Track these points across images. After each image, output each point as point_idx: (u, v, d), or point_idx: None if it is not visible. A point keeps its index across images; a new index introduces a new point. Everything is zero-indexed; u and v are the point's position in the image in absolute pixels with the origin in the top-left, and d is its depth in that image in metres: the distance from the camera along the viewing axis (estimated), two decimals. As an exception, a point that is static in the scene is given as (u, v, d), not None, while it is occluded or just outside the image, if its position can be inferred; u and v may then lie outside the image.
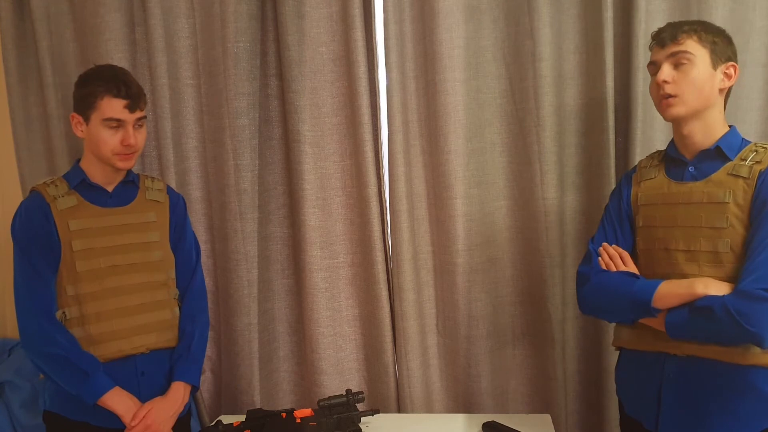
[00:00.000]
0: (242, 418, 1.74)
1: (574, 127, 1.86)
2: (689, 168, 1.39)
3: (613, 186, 1.70)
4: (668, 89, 1.35)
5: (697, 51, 1.34)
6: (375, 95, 1.93)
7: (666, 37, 1.37)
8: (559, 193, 1.86)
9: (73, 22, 2.07)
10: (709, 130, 1.37)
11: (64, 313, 1.50)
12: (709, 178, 1.35)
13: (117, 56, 1.99)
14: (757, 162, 1.31)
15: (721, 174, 1.34)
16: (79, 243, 1.50)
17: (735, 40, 1.73)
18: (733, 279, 1.28)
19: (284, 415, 1.71)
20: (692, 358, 1.33)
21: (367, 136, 1.91)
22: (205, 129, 2.03)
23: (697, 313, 1.26)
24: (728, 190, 1.31)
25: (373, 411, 1.69)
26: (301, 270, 2.01)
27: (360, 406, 1.73)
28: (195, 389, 1.67)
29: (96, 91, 1.49)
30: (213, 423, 1.74)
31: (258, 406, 2.00)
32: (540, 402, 1.96)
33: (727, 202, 1.31)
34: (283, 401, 2.11)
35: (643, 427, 1.43)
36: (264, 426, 1.68)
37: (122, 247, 1.56)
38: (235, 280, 1.99)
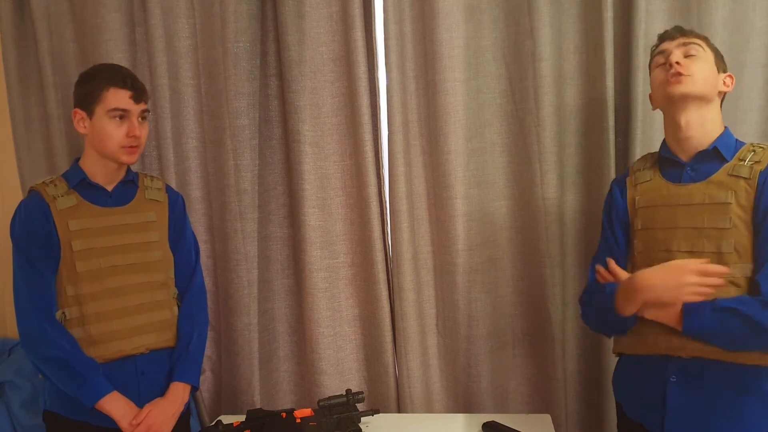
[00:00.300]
0: (242, 418, 1.74)
1: (574, 127, 1.86)
2: (687, 169, 1.39)
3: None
4: (681, 69, 1.36)
5: (705, 48, 1.39)
6: (375, 95, 1.93)
7: (676, 32, 1.42)
8: (559, 193, 1.86)
9: (73, 22, 2.07)
10: (705, 128, 1.38)
11: (63, 313, 1.49)
12: (709, 179, 1.35)
13: (117, 56, 1.99)
14: (756, 162, 1.31)
15: (721, 175, 1.34)
16: (79, 243, 1.50)
17: (735, 40, 1.75)
18: (738, 280, 1.28)
19: (284, 415, 1.71)
20: (696, 359, 1.32)
21: (367, 136, 1.91)
22: (205, 129, 2.03)
23: (719, 321, 1.26)
24: (730, 191, 1.31)
25: (373, 411, 1.69)
26: (301, 270, 2.01)
27: (360, 406, 1.73)
28: (195, 389, 1.68)
29: (101, 84, 1.50)
30: (213, 423, 1.74)
31: (258, 406, 2.00)
32: (540, 402, 1.96)
33: (730, 203, 1.31)
34: (283, 401, 2.11)
35: (645, 429, 1.42)
36: (264, 426, 1.68)
37: (122, 247, 1.56)
38: (235, 280, 1.99)
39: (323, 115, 1.96)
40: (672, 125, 1.41)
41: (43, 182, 1.54)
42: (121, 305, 1.54)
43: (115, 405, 1.49)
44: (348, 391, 1.68)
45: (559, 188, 1.86)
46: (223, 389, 2.11)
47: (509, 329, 1.97)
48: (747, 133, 1.77)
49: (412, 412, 1.96)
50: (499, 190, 1.93)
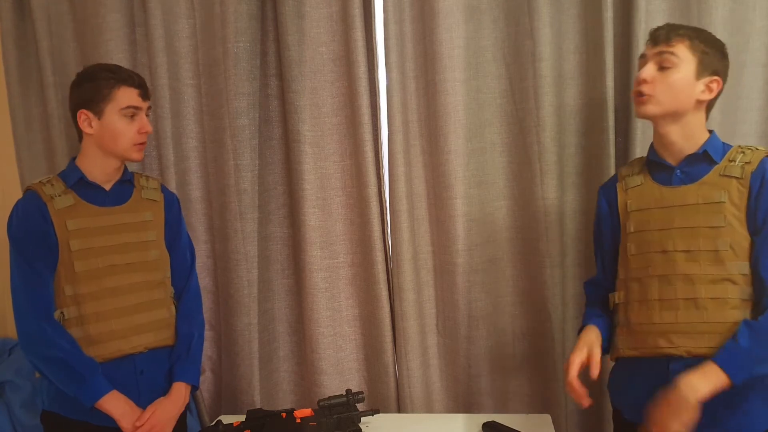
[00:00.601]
0: (242, 418, 1.74)
1: (574, 127, 1.86)
2: (676, 172, 1.41)
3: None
4: (644, 88, 1.38)
5: (684, 56, 1.36)
6: (375, 95, 1.93)
7: (660, 36, 1.39)
8: (559, 193, 1.86)
9: (73, 22, 2.07)
10: (689, 136, 1.39)
11: (62, 313, 1.49)
12: (702, 181, 1.37)
13: (117, 56, 1.99)
14: (747, 162, 1.34)
15: (713, 176, 1.36)
16: (77, 243, 1.50)
17: (735, 40, 1.74)
18: (735, 278, 1.31)
19: (284, 415, 1.71)
20: (699, 357, 1.32)
21: (367, 136, 1.91)
22: (205, 129, 2.03)
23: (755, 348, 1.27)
24: (723, 191, 1.34)
25: (373, 411, 1.69)
26: (301, 270, 2.01)
27: (360, 406, 1.73)
28: (195, 389, 1.68)
29: (109, 83, 1.51)
30: (213, 423, 1.74)
31: (258, 406, 2.00)
32: (540, 402, 1.96)
33: (723, 202, 1.33)
34: (283, 401, 2.11)
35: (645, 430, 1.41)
36: (264, 426, 1.68)
37: (120, 246, 1.56)
38: (235, 280, 1.99)
39: (323, 115, 1.96)
40: (655, 132, 1.44)
41: (40, 182, 1.53)
42: (120, 305, 1.54)
43: (114, 404, 1.49)
44: (348, 391, 1.68)
45: (559, 188, 1.86)
46: (223, 389, 2.11)
47: (509, 329, 1.97)
48: (747, 133, 1.77)
49: (412, 412, 1.96)
50: (499, 190, 1.93)
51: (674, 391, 1.26)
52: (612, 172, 1.80)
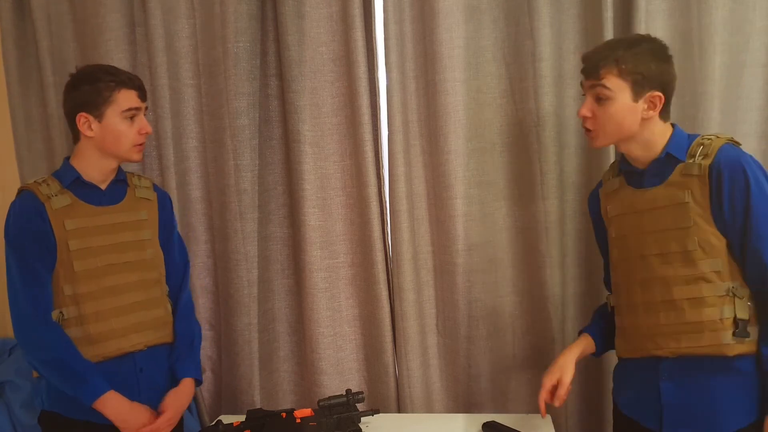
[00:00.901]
0: (242, 418, 1.74)
1: (574, 127, 1.86)
2: (646, 175, 1.41)
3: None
4: (587, 125, 1.40)
5: (616, 86, 1.34)
6: (375, 95, 1.93)
7: (588, 69, 1.38)
8: (559, 193, 1.86)
9: (73, 23, 2.07)
10: (650, 146, 1.39)
11: (61, 312, 1.49)
12: (667, 182, 1.37)
13: (117, 56, 1.99)
14: (704, 156, 1.32)
15: (676, 175, 1.36)
16: (75, 242, 1.50)
17: (735, 40, 1.73)
18: (708, 275, 1.31)
19: (284, 415, 1.71)
20: (684, 357, 1.36)
21: (367, 136, 1.91)
22: (205, 129, 2.03)
23: None
24: (687, 190, 1.33)
25: (373, 411, 1.69)
26: (301, 270, 2.01)
27: (360, 406, 1.72)
28: (199, 383, 1.72)
29: (109, 86, 1.51)
30: (213, 423, 1.74)
31: (258, 406, 2.00)
32: (540, 402, 1.96)
33: (688, 202, 1.33)
34: (283, 401, 2.11)
35: (640, 426, 1.46)
36: (264, 426, 1.68)
37: (117, 245, 1.56)
38: (235, 280, 1.99)
39: (323, 115, 1.96)
40: (617, 149, 1.46)
41: (35, 182, 1.52)
42: (119, 303, 1.55)
43: (111, 406, 1.48)
44: (348, 391, 1.68)
45: (559, 188, 1.86)
46: (223, 389, 2.11)
47: (509, 329, 1.97)
48: (747, 133, 1.77)
49: (412, 412, 1.96)
50: (499, 190, 1.93)
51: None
52: (612, 172, 1.80)
